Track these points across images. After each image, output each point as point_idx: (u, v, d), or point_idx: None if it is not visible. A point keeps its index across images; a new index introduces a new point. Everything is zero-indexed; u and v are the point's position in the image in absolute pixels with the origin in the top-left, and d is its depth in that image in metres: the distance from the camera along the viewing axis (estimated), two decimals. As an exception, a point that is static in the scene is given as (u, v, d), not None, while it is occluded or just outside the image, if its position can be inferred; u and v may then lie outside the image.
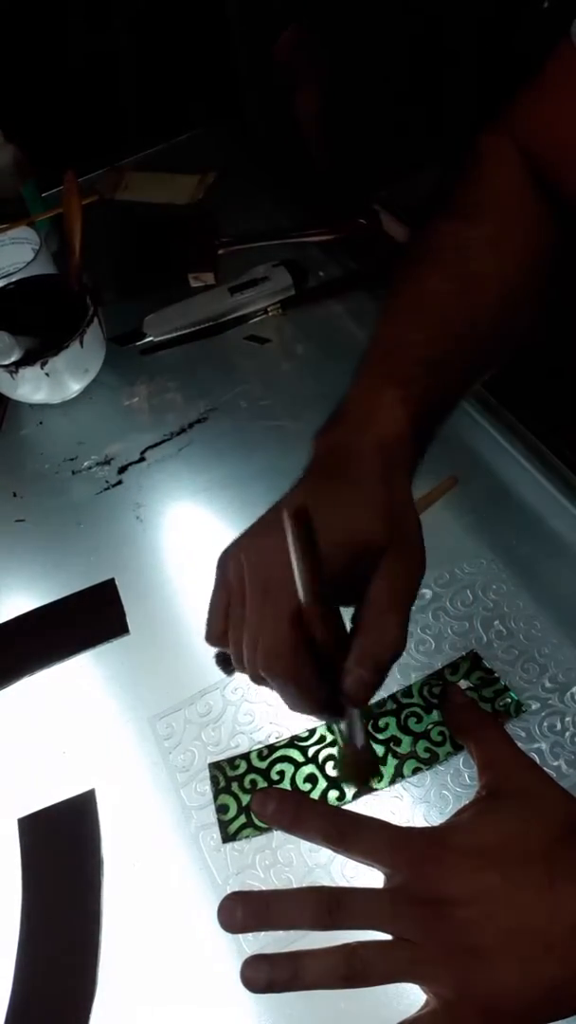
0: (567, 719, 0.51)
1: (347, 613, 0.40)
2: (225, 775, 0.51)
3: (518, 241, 0.48)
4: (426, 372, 0.44)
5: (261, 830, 0.49)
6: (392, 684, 0.53)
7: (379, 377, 0.44)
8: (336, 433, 0.43)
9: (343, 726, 0.40)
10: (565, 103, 0.48)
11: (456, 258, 0.47)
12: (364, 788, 0.50)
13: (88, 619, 0.60)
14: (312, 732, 0.52)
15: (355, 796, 0.50)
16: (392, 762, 0.50)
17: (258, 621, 0.40)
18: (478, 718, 0.48)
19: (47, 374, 0.69)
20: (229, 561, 0.43)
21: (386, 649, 0.38)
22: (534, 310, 0.49)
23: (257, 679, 0.42)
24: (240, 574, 0.41)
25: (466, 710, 0.49)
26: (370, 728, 0.52)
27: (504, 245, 0.48)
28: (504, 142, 0.50)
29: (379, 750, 0.51)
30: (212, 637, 0.45)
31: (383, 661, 0.38)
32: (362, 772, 0.44)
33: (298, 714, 0.41)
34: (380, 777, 0.50)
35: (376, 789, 0.50)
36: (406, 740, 0.51)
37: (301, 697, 0.39)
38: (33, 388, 0.71)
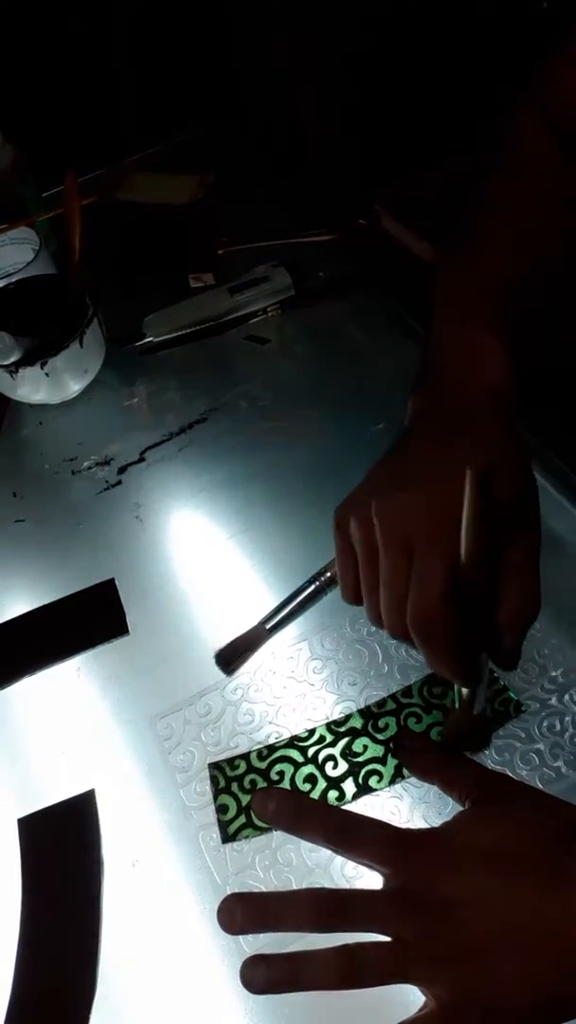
0: (567, 719, 0.51)
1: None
2: (225, 775, 0.51)
3: (560, 199, 0.49)
4: (511, 318, 0.44)
5: (261, 830, 0.49)
6: (392, 684, 0.53)
7: (471, 325, 0.43)
8: (437, 386, 0.43)
9: (464, 691, 0.41)
10: None
11: (512, 211, 0.49)
12: (479, 750, 0.49)
13: (88, 619, 0.60)
14: (312, 732, 0.52)
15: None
16: (392, 762, 0.50)
17: (401, 582, 0.39)
18: (440, 758, 0.46)
19: (47, 374, 0.69)
20: (351, 519, 0.42)
21: (531, 609, 0.38)
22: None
23: (397, 636, 0.41)
24: (369, 532, 0.40)
25: (425, 753, 0.47)
26: (371, 728, 0.52)
27: (551, 202, 0.49)
28: (534, 115, 0.52)
29: (379, 750, 0.51)
30: (348, 596, 0.44)
31: (529, 622, 0.38)
32: (478, 736, 0.45)
33: (441, 673, 0.41)
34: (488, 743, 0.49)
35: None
36: (406, 740, 0.51)
37: (451, 660, 0.39)
38: (33, 388, 0.71)
